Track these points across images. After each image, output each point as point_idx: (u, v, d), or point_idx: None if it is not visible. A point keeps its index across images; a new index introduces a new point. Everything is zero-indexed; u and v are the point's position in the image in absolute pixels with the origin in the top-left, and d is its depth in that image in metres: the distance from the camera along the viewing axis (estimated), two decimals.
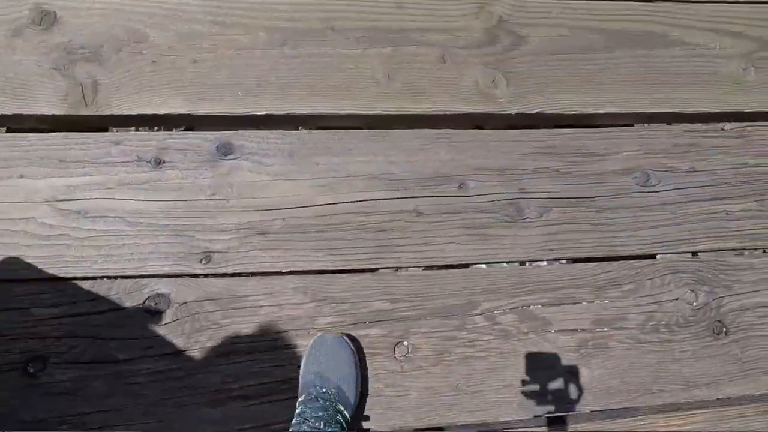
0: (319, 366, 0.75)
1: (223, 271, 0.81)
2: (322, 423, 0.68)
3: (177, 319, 0.79)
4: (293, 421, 0.70)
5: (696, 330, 0.86)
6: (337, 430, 0.70)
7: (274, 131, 0.87)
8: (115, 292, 0.79)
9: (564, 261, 0.88)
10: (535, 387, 0.81)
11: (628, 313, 0.85)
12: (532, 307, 0.84)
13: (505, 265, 0.88)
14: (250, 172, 0.85)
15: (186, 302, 0.79)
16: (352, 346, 0.78)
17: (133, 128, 0.93)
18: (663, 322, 0.85)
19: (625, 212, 0.89)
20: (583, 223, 0.88)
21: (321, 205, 0.85)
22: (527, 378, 0.81)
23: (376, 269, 0.84)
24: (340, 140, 0.87)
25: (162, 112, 0.85)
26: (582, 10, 0.98)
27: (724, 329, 0.87)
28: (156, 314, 0.79)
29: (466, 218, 0.86)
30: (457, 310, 0.83)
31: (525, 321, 0.83)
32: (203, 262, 0.81)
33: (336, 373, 0.75)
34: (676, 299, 0.87)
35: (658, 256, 0.89)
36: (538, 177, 0.89)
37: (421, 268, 0.85)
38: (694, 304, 0.87)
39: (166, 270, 0.80)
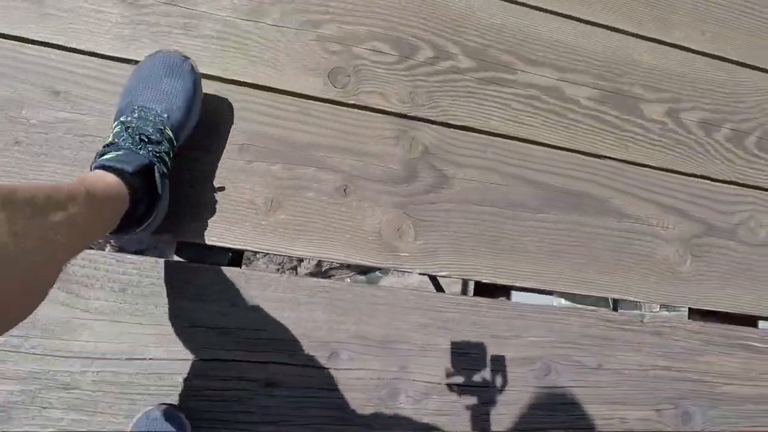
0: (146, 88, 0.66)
1: None
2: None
3: None
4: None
5: None
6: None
7: (107, 254, 0.68)
8: None
9: None
10: None
11: None
12: None
13: None
14: (63, 305, 0.66)
15: None
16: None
17: None
18: None
19: (513, 408, 0.78)
20: (463, 416, 0.77)
21: (149, 359, 0.68)
22: None
23: None
24: (190, 278, 0.70)
25: None
26: (521, 156, 0.84)
27: None
28: None
29: (329, 396, 0.72)
30: None
31: None
32: None
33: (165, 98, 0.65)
34: None
35: None
36: (425, 355, 0.76)
37: None
38: None
39: None
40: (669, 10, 0.94)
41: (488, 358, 0.78)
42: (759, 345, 0.90)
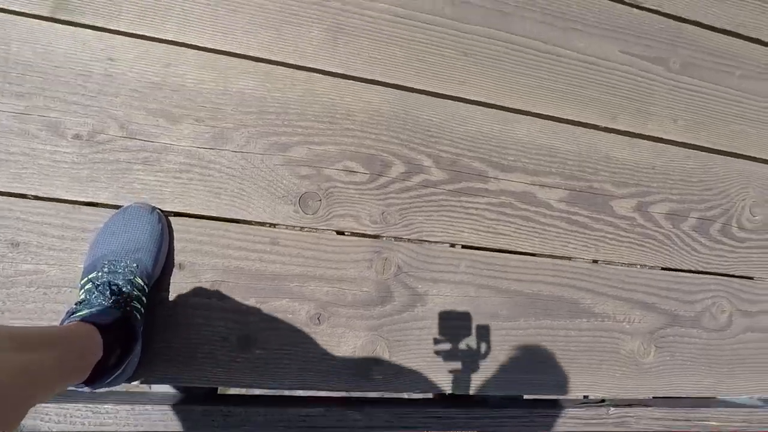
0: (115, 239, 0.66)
1: None
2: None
3: None
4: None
5: None
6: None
7: (81, 407, 0.68)
8: None
9: None
10: None
11: None
12: None
13: None
14: None
15: None
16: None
17: None
18: None
19: None
20: None
21: None
22: None
23: None
24: (167, 421, 0.71)
25: None
26: (494, 267, 0.84)
27: None
28: None
29: None
30: None
31: None
32: None
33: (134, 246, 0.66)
34: None
35: None
36: None
37: None
38: None
39: None
40: (644, 101, 0.94)
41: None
42: (715, 423, 0.96)
